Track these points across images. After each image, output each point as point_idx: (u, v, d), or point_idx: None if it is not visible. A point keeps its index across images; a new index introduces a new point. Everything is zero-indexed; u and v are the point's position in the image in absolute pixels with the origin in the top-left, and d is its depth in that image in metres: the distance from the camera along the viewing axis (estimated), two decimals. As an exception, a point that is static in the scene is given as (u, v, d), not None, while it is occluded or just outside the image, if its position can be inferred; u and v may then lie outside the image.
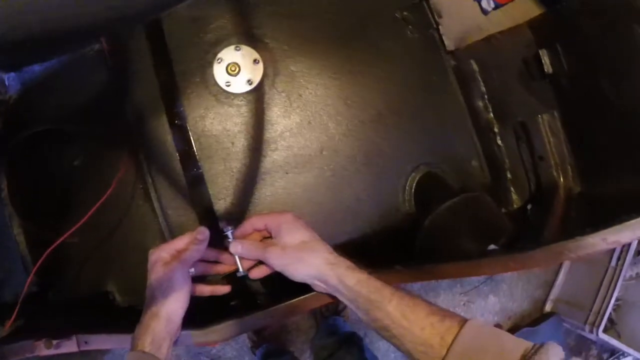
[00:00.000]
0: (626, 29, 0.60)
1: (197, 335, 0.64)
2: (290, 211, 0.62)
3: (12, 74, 0.84)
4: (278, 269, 0.61)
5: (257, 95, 0.72)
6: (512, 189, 0.81)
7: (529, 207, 0.77)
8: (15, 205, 0.82)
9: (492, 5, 0.81)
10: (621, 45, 0.62)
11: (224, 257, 0.68)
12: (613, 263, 1.41)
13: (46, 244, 0.71)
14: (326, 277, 0.57)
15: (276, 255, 0.61)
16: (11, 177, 0.82)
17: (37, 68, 0.85)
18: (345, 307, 1.45)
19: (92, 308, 0.82)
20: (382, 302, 0.52)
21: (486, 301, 1.56)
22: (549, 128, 0.75)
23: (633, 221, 0.50)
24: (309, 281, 0.60)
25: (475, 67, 0.79)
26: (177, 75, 0.70)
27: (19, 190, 0.82)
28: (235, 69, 0.71)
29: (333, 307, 1.44)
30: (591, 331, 1.43)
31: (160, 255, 0.63)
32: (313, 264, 0.58)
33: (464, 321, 0.47)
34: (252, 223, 0.64)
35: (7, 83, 0.85)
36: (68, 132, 0.82)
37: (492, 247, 0.67)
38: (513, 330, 1.53)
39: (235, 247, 0.64)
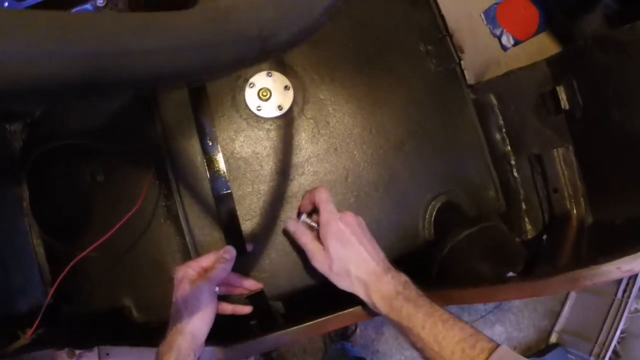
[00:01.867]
0: (636, 62, 0.64)
1: (218, 353, 0.65)
2: (346, 212, 0.65)
3: (40, 85, 0.87)
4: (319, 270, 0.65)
5: (287, 121, 0.74)
6: (526, 218, 0.83)
7: (544, 237, 0.78)
8: (35, 216, 0.83)
9: (512, 42, 0.85)
10: (631, 78, 0.65)
11: (247, 283, 0.70)
12: (619, 295, 1.42)
13: (63, 256, 0.72)
14: (364, 300, 0.61)
15: (319, 262, 0.64)
16: (33, 188, 0.83)
17: (64, 81, 0.87)
18: (353, 332, 1.45)
19: (109, 321, 0.82)
20: (415, 328, 0.54)
21: (492, 330, 1.56)
22: (563, 161, 0.77)
23: (647, 251, 0.51)
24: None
25: (494, 100, 0.82)
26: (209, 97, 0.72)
27: (40, 202, 0.84)
28: (267, 94, 0.73)
29: (341, 332, 1.44)
30: (596, 363, 1.43)
31: (187, 273, 0.64)
32: (351, 286, 0.62)
33: (494, 348, 0.49)
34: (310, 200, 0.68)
35: (33, 95, 0.87)
36: (91, 147, 0.83)
37: (510, 274, 0.68)
38: (518, 360, 1.52)
39: (290, 225, 0.69)
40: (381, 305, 0.59)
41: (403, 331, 0.57)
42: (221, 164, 0.61)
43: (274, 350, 1.44)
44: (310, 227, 0.68)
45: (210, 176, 0.62)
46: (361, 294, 0.61)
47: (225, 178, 0.62)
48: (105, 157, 0.86)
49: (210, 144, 0.62)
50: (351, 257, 0.62)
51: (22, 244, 0.84)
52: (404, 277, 0.61)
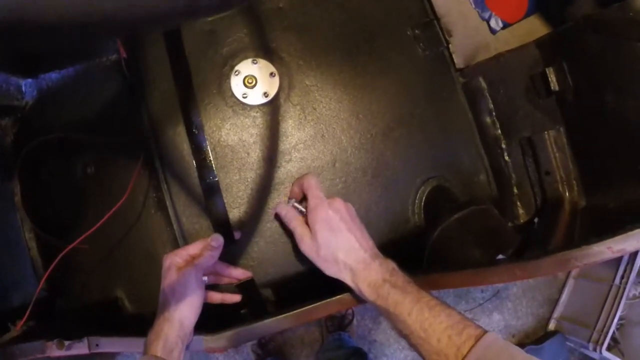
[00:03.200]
0: (628, 43, 0.63)
1: (208, 341, 0.65)
2: (327, 204, 0.63)
3: (29, 81, 0.86)
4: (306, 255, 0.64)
5: (273, 108, 0.74)
6: (518, 203, 0.82)
7: (535, 220, 0.78)
8: (27, 210, 0.83)
9: (501, 24, 0.84)
10: (624, 60, 0.65)
11: (236, 272, 0.70)
12: (617, 281, 1.41)
13: (56, 250, 0.72)
14: (351, 287, 0.61)
15: (307, 247, 0.63)
16: (24, 182, 0.83)
17: (54, 75, 0.87)
18: (350, 322, 1.45)
19: (102, 313, 0.82)
20: (402, 315, 0.54)
21: (490, 318, 1.56)
22: (554, 143, 0.76)
23: (638, 230, 0.51)
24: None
25: (483, 84, 0.81)
26: (194, 86, 0.72)
27: (31, 195, 0.84)
28: (252, 81, 0.73)
29: (338, 322, 1.44)
30: (595, 349, 1.43)
31: (175, 260, 0.64)
32: (338, 273, 0.61)
33: (481, 334, 0.48)
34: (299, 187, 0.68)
35: (24, 89, 0.87)
36: (81, 140, 0.83)
37: (500, 257, 0.68)
38: (517, 347, 1.52)
39: (280, 209, 0.68)
40: (368, 293, 0.58)
41: (390, 318, 0.56)
42: (208, 152, 0.60)
43: (270, 342, 1.45)
44: (300, 212, 0.68)
45: (197, 165, 0.62)
46: (348, 280, 0.61)
47: (212, 166, 0.62)
48: (96, 150, 0.85)
49: (197, 132, 0.62)
50: (339, 243, 0.61)
51: (14, 238, 0.84)
52: (391, 264, 0.60)
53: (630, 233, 0.52)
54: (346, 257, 0.61)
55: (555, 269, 0.56)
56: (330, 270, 0.62)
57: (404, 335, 0.55)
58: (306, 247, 0.63)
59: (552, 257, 0.55)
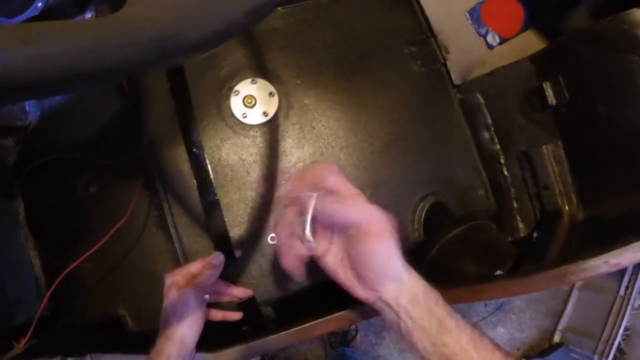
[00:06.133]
0: (621, 55, 0.63)
1: (209, 358, 0.65)
2: (376, 208, 0.47)
3: (33, 101, 0.87)
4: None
5: (272, 127, 0.75)
6: (518, 217, 0.82)
7: (534, 235, 0.78)
8: (31, 229, 0.84)
9: (498, 40, 0.85)
10: (617, 72, 0.65)
11: (237, 291, 0.70)
12: (622, 292, 1.41)
13: (59, 268, 0.73)
14: (389, 303, 0.47)
15: (338, 275, 0.49)
16: (28, 201, 0.84)
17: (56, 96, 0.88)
18: (353, 337, 1.44)
19: (104, 331, 0.83)
20: (452, 332, 0.45)
21: (495, 332, 1.55)
22: (552, 157, 0.77)
23: (634, 244, 0.51)
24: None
25: (480, 99, 0.81)
26: (194, 107, 0.73)
27: (35, 214, 0.85)
28: (252, 101, 0.74)
29: (341, 338, 1.43)
30: (600, 361, 1.42)
31: (176, 279, 0.64)
32: (380, 285, 0.47)
33: None
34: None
35: (27, 109, 0.88)
36: (83, 160, 0.84)
37: (498, 272, 0.68)
38: (522, 361, 1.52)
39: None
40: (412, 306, 0.46)
41: (437, 330, 0.45)
42: (208, 171, 0.61)
43: (273, 359, 1.44)
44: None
45: (197, 184, 0.63)
46: (389, 293, 0.46)
47: (213, 186, 0.63)
48: (98, 170, 0.86)
49: (197, 152, 0.63)
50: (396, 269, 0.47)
51: (18, 256, 0.85)
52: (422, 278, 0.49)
53: (626, 247, 0.52)
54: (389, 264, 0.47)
55: (552, 284, 0.55)
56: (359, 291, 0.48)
57: (447, 354, 0.44)
58: (336, 274, 0.49)
59: (548, 272, 0.55)
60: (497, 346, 0.46)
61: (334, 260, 0.49)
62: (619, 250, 0.52)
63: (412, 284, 0.47)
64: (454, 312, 0.47)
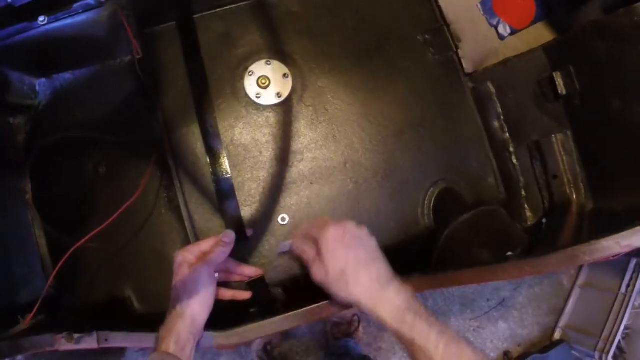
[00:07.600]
0: (634, 48, 0.64)
1: (218, 337, 0.65)
2: (337, 223, 0.60)
3: (43, 80, 0.87)
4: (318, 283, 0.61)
5: (286, 108, 0.75)
6: (526, 205, 0.83)
7: (543, 220, 0.78)
8: (38, 209, 0.83)
9: (509, 30, 0.86)
10: (629, 64, 0.65)
11: (247, 270, 0.70)
12: (623, 290, 1.41)
13: (65, 248, 0.73)
14: (367, 312, 0.57)
15: (318, 274, 0.60)
16: (36, 181, 0.84)
17: (68, 76, 0.88)
18: (356, 329, 1.44)
19: (109, 311, 0.82)
20: (427, 347, 0.51)
21: (496, 327, 1.55)
22: (562, 147, 0.77)
23: (646, 227, 0.51)
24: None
25: (492, 89, 0.82)
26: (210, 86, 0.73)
27: (43, 194, 0.84)
28: (266, 82, 0.74)
29: (344, 329, 1.43)
30: (600, 358, 1.42)
31: (186, 257, 0.64)
32: (351, 297, 0.57)
33: None
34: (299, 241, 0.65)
35: (37, 89, 0.87)
36: (94, 140, 0.84)
37: (509, 254, 0.68)
38: (523, 357, 1.51)
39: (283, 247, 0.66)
40: (390, 318, 0.54)
41: (412, 348, 0.53)
42: (222, 150, 0.61)
43: (275, 348, 1.44)
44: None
45: (210, 163, 0.63)
46: (364, 304, 0.56)
47: (226, 164, 0.63)
48: (108, 150, 0.86)
49: (211, 130, 0.63)
50: (354, 264, 0.58)
51: (25, 236, 0.84)
52: (410, 289, 0.57)
53: (638, 229, 0.52)
54: (359, 276, 0.57)
55: (564, 265, 0.56)
56: (342, 293, 0.58)
57: None
58: (316, 270, 0.61)
59: (561, 252, 0.55)
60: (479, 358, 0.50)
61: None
62: (631, 231, 0.53)
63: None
64: (427, 330, 0.52)
